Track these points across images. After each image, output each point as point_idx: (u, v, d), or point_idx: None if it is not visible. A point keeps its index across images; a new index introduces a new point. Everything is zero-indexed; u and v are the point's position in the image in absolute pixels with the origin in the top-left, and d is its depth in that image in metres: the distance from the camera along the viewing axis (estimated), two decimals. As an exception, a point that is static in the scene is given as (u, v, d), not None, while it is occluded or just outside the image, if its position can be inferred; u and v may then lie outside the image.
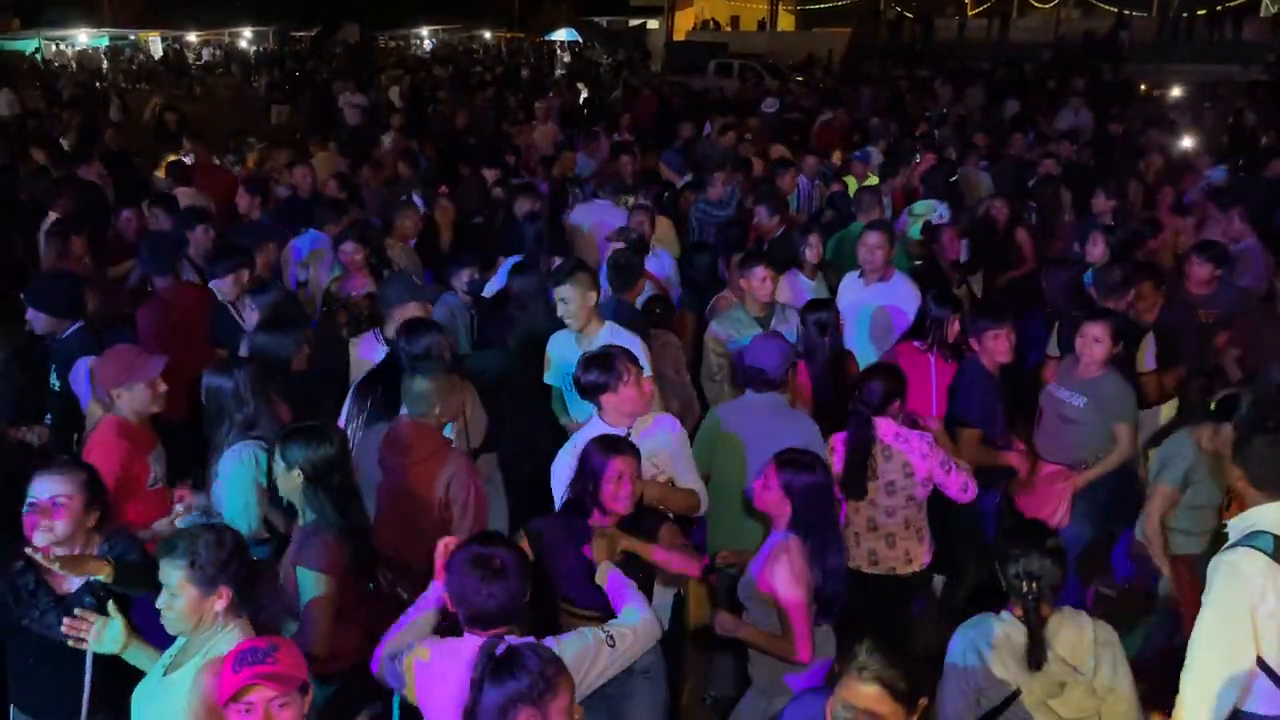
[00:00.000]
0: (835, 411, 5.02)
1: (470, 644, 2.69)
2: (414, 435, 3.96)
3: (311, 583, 3.24)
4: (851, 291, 6.12)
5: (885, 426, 4.32)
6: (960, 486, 4.33)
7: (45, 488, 3.12)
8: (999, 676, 3.06)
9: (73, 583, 3.17)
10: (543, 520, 3.64)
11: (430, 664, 2.74)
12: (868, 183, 9.12)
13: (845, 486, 4.28)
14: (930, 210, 7.88)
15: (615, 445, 3.45)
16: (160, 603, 2.75)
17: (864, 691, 2.47)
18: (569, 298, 4.73)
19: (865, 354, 5.78)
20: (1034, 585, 3.03)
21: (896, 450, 4.30)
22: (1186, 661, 3.17)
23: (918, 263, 7.08)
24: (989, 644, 3.09)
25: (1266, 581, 3.09)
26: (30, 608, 3.15)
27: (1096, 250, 6.46)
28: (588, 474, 3.43)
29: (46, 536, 3.10)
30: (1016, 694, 3.07)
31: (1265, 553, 3.11)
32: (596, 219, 7.65)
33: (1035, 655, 3.02)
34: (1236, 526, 3.28)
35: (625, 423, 3.99)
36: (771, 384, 4.40)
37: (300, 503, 3.38)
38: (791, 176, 9.08)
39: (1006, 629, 3.09)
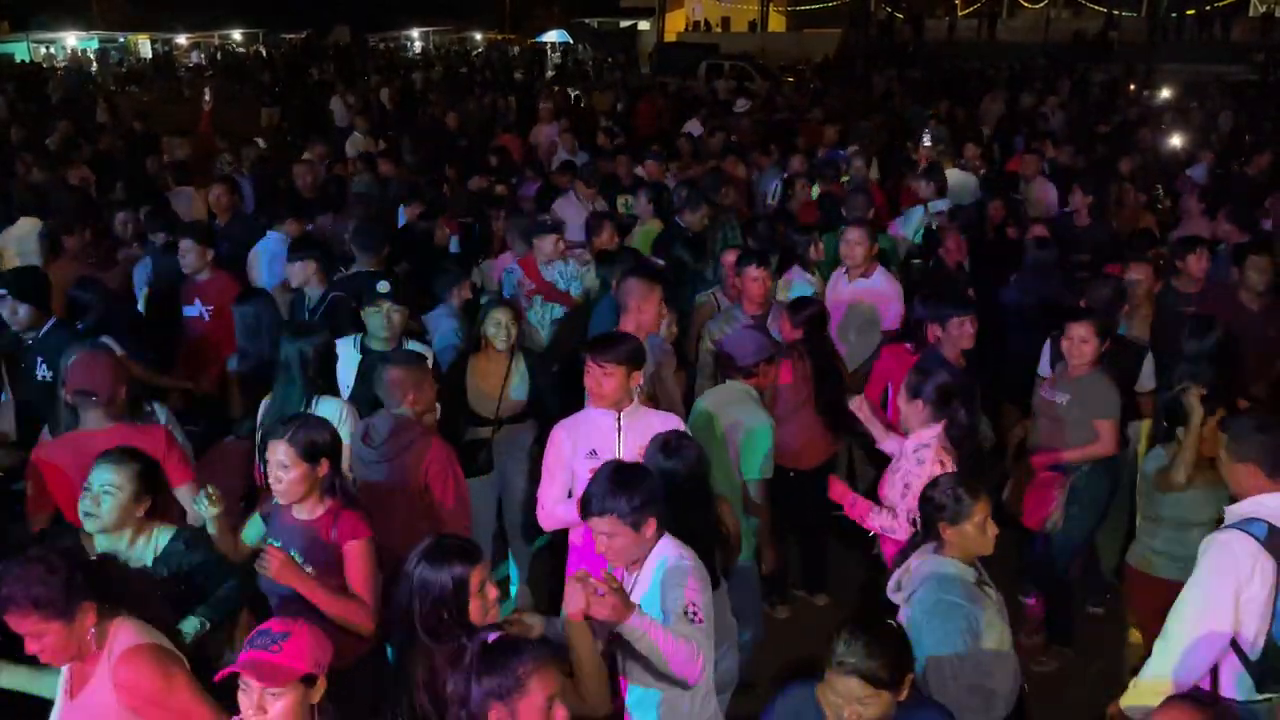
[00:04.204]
0: (828, 410, 5.07)
1: None
2: (392, 426, 4.00)
3: (365, 553, 3.35)
4: (836, 288, 6.23)
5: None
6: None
7: (97, 476, 3.25)
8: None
9: (144, 557, 3.33)
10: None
11: None
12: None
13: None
14: (944, 207, 7.91)
15: (463, 554, 2.76)
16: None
17: (844, 684, 2.54)
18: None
19: (853, 348, 5.88)
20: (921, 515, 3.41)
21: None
22: (1163, 630, 3.24)
23: (915, 262, 7.12)
24: None
25: (1254, 565, 3.15)
26: None
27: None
28: (437, 597, 2.69)
29: (93, 523, 3.25)
30: None
31: (1257, 538, 3.18)
32: (563, 214, 7.78)
33: (896, 561, 3.51)
34: (1234, 512, 3.35)
35: (605, 408, 3.92)
36: (739, 370, 4.53)
37: (322, 491, 3.39)
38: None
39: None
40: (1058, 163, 10.10)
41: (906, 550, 3.49)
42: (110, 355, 4.11)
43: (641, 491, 3.01)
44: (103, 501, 3.22)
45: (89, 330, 5.10)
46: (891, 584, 3.46)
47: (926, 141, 11.02)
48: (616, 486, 3.00)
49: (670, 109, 17.57)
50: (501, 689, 2.34)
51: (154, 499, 3.36)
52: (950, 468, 4.06)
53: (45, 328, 4.99)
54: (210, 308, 5.94)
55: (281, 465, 3.29)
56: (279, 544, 3.37)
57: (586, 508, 3.05)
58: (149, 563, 3.33)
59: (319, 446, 3.33)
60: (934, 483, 3.44)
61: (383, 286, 4.80)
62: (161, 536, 3.36)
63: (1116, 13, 33.15)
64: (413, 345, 4.98)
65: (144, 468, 3.32)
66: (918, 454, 4.19)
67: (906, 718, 2.64)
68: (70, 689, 2.82)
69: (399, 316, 4.86)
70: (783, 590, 5.38)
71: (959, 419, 4.26)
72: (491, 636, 2.51)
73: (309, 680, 2.47)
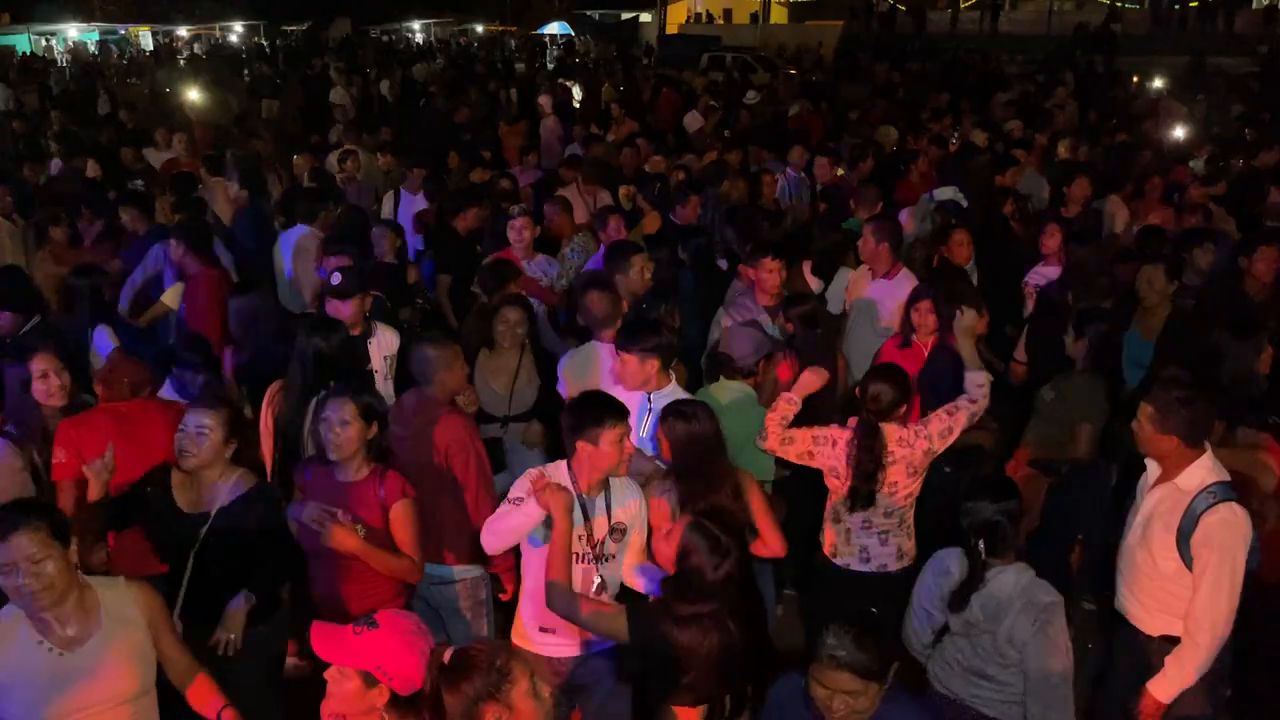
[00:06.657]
0: (823, 405, 5.02)
1: None
2: (415, 404, 4.15)
3: (412, 511, 3.67)
4: (857, 286, 6.10)
5: (890, 431, 4.17)
6: (978, 385, 4.36)
7: (192, 419, 3.54)
8: (931, 609, 3.43)
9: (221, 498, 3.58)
10: None
11: None
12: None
13: (854, 496, 4.14)
14: (951, 196, 7.83)
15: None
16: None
17: (835, 677, 2.60)
18: None
19: (868, 348, 5.68)
20: (980, 536, 3.25)
21: (902, 454, 4.17)
22: (1202, 606, 3.34)
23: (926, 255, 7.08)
24: (939, 575, 3.42)
25: (1248, 525, 3.37)
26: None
27: (1053, 242, 6.44)
28: None
29: (189, 460, 3.52)
30: (946, 628, 3.36)
31: (1235, 500, 3.37)
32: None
33: (958, 597, 3.28)
34: (1187, 484, 3.44)
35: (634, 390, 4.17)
36: (737, 371, 4.51)
37: (367, 453, 3.67)
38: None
39: (953, 565, 3.37)
40: (1057, 156, 10.03)
41: (971, 582, 3.29)
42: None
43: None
44: (199, 441, 3.50)
45: (82, 323, 5.16)
46: (976, 612, 3.26)
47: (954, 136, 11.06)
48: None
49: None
50: (490, 686, 2.28)
51: (239, 444, 3.66)
52: (844, 461, 4.14)
53: (25, 329, 5.00)
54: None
55: (342, 421, 3.58)
56: (333, 509, 3.60)
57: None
58: (226, 504, 3.57)
59: (374, 410, 3.68)
60: (996, 496, 3.31)
61: (334, 278, 4.96)
62: (240, 485, 3.61)
63: (1119, 4, 33.08)
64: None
65: (232, 414, 3.64)
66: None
67: (892, 707, 2.68)
68: (56, 646, 2.78)
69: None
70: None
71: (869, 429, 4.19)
72: (447, 654, 2.40)
73: (368, 678, 2.42)
